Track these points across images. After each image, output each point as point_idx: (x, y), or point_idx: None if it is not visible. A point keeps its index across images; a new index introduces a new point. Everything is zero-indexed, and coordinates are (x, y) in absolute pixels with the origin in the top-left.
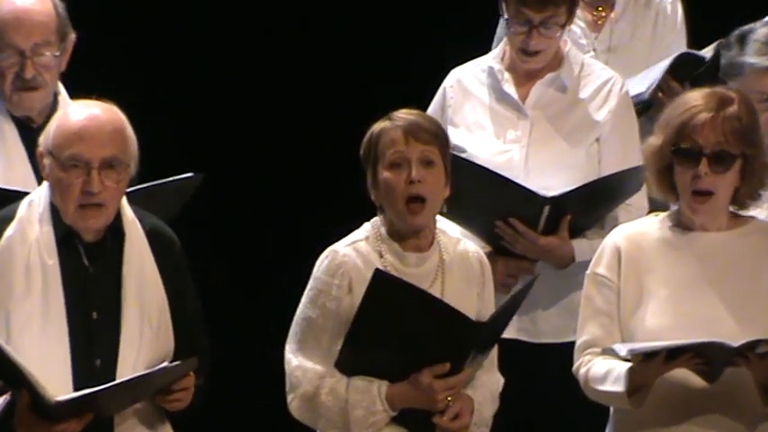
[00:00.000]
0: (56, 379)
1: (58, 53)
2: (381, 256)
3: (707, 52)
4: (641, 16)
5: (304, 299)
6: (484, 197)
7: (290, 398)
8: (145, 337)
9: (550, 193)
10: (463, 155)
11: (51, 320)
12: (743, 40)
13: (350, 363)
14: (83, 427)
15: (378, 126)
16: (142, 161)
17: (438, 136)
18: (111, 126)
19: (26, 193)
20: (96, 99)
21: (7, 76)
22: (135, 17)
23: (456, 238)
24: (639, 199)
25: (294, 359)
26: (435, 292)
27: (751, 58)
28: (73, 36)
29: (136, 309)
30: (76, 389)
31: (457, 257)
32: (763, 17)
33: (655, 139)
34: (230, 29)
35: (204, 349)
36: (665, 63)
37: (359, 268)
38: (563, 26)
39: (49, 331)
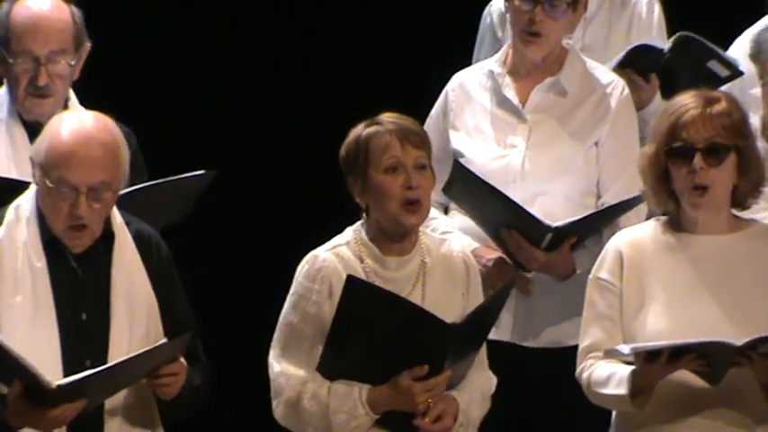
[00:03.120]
0: None
1: (72, 62)
2: (362, 261)
3: (665, 44)
4: (617, 16)
5: (286, 304)
6: (491, 210)
7: (274, 404)
8: (134, 337)
9: (555, 224)
10: (462, 159)
11: (41, 322)
12: None
13: (331, 367)
14: (76, 413)
15: (365, 130)
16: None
17: (426, 139)
18: (101, 150)
19: (28, 183)
20: (95, 106)
21: (21, 81)
22: (135, 17)
23: (440, 239)
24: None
25: (277, 365)
26: (416, 294)
27: None
28: (88, 45)
29: (125, 309)
30: None
31: (440, 259)
32: (741, 20)
33: (648, 149)
34: (230, 28)
35: (196, 352)
36: (618, 55)
37: (339, 273)
38: (569, 5)
39: (39, 333)
